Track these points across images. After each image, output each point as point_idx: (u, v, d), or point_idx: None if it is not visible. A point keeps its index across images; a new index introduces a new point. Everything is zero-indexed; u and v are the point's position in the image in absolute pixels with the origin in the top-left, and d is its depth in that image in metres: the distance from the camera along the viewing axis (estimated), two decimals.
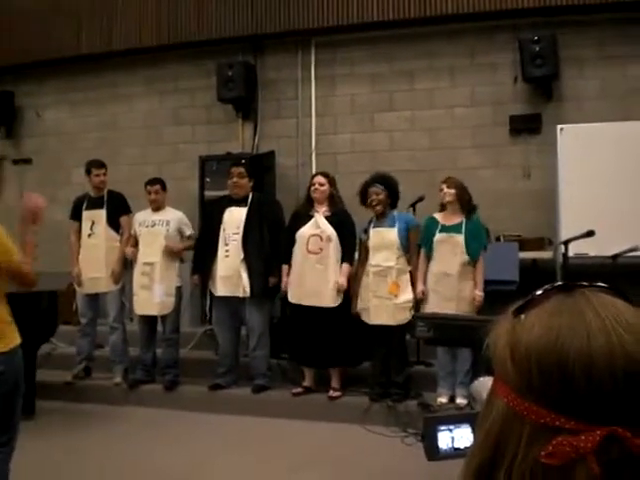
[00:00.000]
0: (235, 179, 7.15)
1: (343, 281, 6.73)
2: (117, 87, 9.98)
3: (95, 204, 7.56)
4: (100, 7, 9.78)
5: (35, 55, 10.00)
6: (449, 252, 6.39)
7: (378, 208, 6.64)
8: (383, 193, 6.64)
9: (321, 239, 6.78)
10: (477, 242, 6.40)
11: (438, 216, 6.58)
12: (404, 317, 6.43)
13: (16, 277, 3.70)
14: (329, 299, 6.73)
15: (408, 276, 6.56)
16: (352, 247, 6.83)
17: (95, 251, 7.50)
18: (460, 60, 8.58)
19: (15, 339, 3.72)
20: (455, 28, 8.54)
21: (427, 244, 6.53)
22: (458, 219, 6.47)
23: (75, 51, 9.91)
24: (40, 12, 9.99)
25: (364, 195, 6.72)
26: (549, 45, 7.89)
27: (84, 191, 7.76)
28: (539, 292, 0.86)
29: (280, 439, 6.18)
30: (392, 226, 6.61)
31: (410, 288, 6.53)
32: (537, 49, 7.88)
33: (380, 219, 6.69)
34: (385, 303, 6.51)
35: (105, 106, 10.05)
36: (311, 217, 6.88)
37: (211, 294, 7.29)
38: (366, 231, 6.73)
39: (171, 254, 7.28)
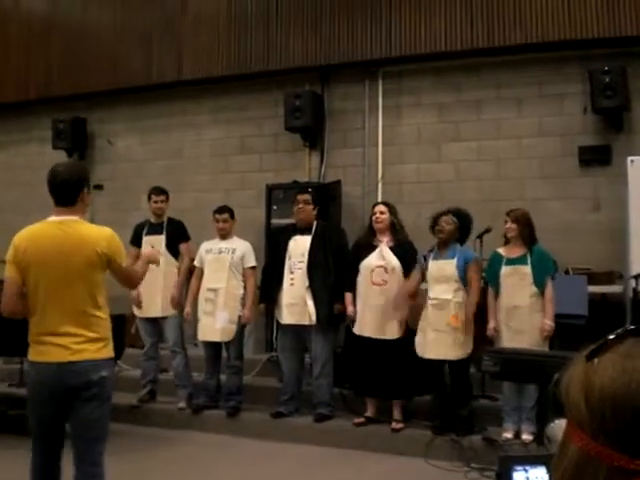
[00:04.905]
0: (301, 205, 7.21)
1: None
2: (186, 116, 10.17)
3: (155, 230, 7.70)
4: (171, 37, 10.02)
5: (107, 83, 10.31)
6: (517, 284, 6.31)
7: (442, 236, 6.55)
8: (453, 225, 6.55)
9: (386, 271, 6.76)
10: (543, 271, 6.31)
11: (502, 250, 6.51)
12: (463, 352, 6.36)
13: (123, 278, 4.08)
14: (393, 331, 6.70)
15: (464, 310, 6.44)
16: None
17: (154, 276, 7.56)
18: (528, 90, 8.52)
19: (112, 352, 3.96)
20: (522, 58, 8.50)
21: (493, 279, 6.46)
22: (522, 251, 6.40)
23: (146, 80, 10.16)
24: (113, 42, 10.29)
25: (435, 223, 6.64)
26: (619, 76, 7.78)
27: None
28: (612, 336, 0.86)
29: (341, 469, 6.15)
30: (452, 258, 6.51)
31: (471, 326, 6.40)
32: (607, 80, 7.77)
33: (441, 251, 6.59)
34: (443, 337, 6.39)
35: (174, 134, 10.25)
36: (374, 247, 6.86)
37: (277, 322, 7.32)
38: (425, 259, 6.63)
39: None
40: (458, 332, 6.34)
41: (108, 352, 3.87)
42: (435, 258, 6.55)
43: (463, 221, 6.65)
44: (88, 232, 3.85)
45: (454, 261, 6.45)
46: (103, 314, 3.87)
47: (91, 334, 3.78)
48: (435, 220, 6.65)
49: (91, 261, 3.77)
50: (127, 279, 4.11)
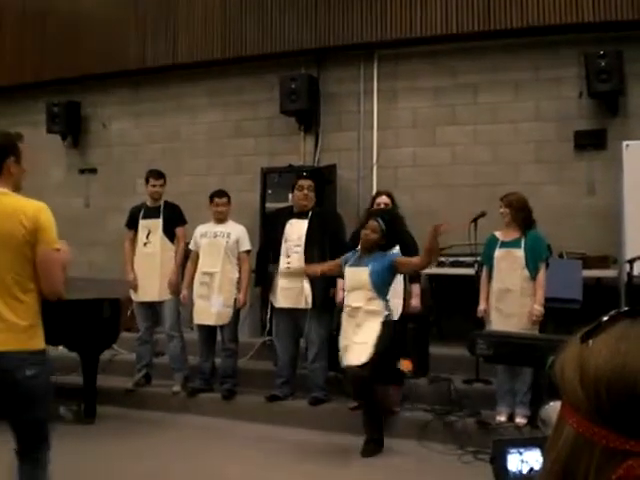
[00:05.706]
0: (306, 191, 7.14)
1: (416, 303, 6.78)
2: (181, 99, 10.14)
3: (152, 214, 7.68)
4: (166, 20, 9.97)
5: (102, 67, 10.26)
6: (509, 267, 6.31)
7: (364, 245, 6.13)
8: (378, 234, 6.06)
9: None
10: (536, 256, 6.31)
11: (498, 233, 6.50)
12: (365, 358, 5.88)
13: (44, 262, 3.38)
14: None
15: (378, 319, 5.97)
16: None
17: (150, 260, 7.60)
18: (524, 74, 8.50)
19: (43, 342, 3.51)
20: (519, 42, 8.47)
21: (488, 261, 6.46)
22: (517, 235, 6.39)
23: (141, 63, 10.12)
24: (107, 24, 10.23)
25: (363, 225, 6.26)
26: (615, 60, 7.77)
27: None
28: (606, 318, 0.86)
29: (336, 453, 6.18)
30: (366, 266, 6.02)
31: (375, 333, 5.92)
32: (602, 64, 7.76)
33: (362, 257, 6.14)
34: (352, 347, 5.99)
35: (169, 118, 10.22)
36: None
37: (272, 305, 7.32)
38: (347, 260, 6.25)
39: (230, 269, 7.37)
40: (357, 337, 5.96)
41: (36, 343, 3.43)
42: (353, 264, 6.14)
43: (391, 227, 6.21)
44: (18, 204, 3.39)
45: (367, 269, 5.99)
46: (31, 299, 3.42)
47: (18, 320, 3.35)
48: (364, 221, 6.30)
49: (17, 234, 3.32)
50: (48, 266, 3.39)
